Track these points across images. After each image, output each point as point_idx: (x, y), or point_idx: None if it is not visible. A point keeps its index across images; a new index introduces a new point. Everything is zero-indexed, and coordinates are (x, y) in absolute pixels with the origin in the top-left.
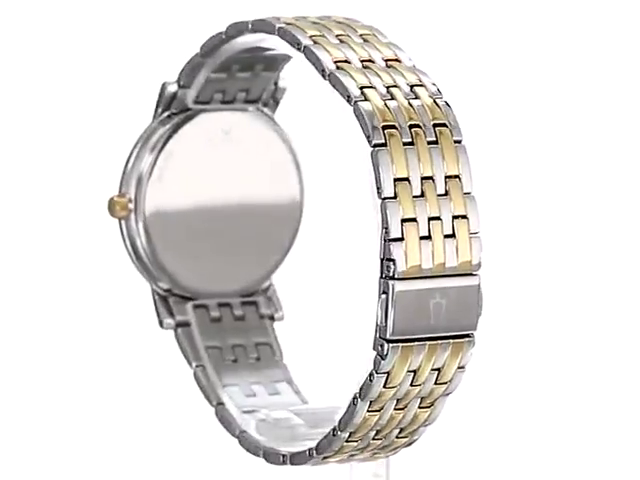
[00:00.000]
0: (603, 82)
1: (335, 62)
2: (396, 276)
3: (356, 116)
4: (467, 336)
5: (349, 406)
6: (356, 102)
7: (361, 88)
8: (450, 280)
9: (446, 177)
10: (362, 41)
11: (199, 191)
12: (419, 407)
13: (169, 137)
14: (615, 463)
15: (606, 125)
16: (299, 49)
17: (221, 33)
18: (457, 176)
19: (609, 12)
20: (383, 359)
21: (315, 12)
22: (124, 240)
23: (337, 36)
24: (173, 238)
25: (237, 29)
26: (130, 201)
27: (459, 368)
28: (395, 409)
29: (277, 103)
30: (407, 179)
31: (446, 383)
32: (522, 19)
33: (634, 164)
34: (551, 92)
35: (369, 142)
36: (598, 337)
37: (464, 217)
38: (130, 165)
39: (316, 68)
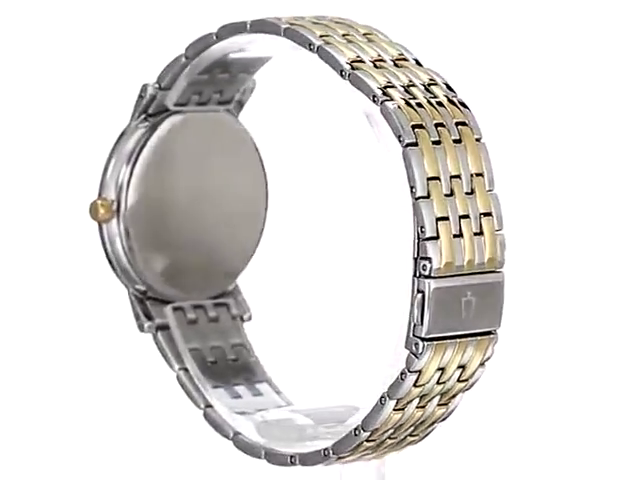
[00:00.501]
0: (604, 78)
1: (350, 62)
2: (432, 275)
3: (384, 115)
4: (491, 333)
5: (375, 405)
6: (383, 102)
7: (384, 88)
8: (479, 277)
9: (471, 175)
10: (367, 40)
11: (174, 193)
12: (437, 404)
13: (147, 140)
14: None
15: (612, 121)
16: (311, 49)
17: (211, 34)
18: (480, 174)
19: (610, 9)
20: (417, 357)
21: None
22: (104, 243)
23: (343, 36)
24: (151, 239)
25: (231, 30)
26: (112, 203)
27: (481, 365)
28: (417, 407)
29: (242, 105)
30: (438, 178)
31: (467, 380)
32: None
33: None
34: (543, 86)
35: (400, 142)
36: (612, 338)
37: (489, 214)
38: (109, 172)
39: (333, 68)
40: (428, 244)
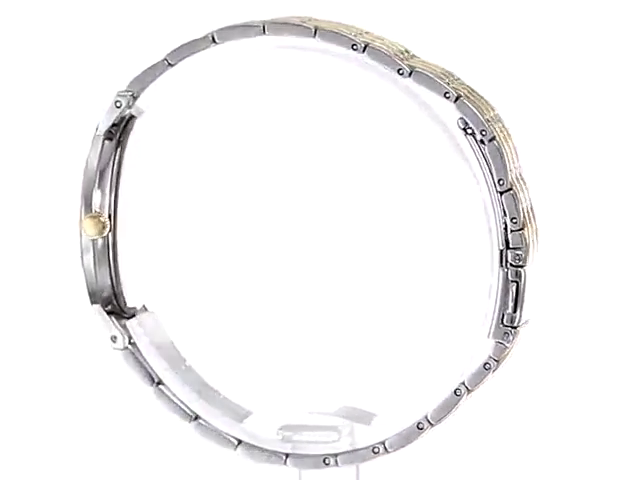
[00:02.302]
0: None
1: (401, 59)
2: (526, 264)
3: (461, 111)
4: None
5: (450, 397)
6: (458, 98)
7: (447, 83)
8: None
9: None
10: (376, 38)
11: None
12: None
13: (117, 153)
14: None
15: (613, 119)
16: (355, 49)
17: (206, 37)
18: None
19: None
20: (507, 346)
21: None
22: (96, 257)
23: (359, 34)
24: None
25: (235, 33)
26: (106, 218)
27: None
28: None
29: None
30: (511, 170)
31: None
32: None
33: None
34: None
35: (483, 135)
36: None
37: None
38: (94, 188)
39: (387, 66)
40: (519, 234)
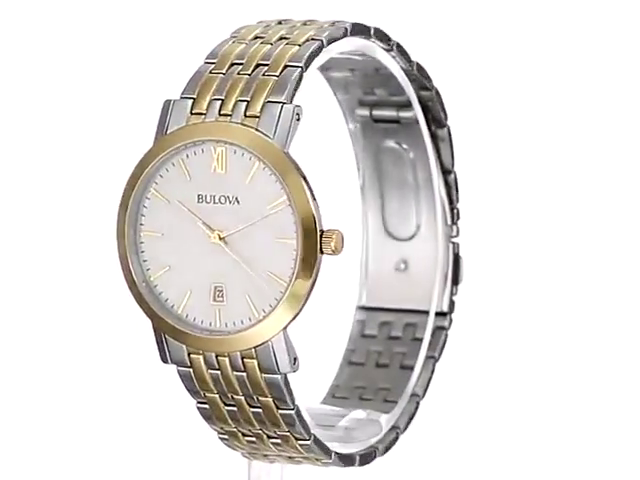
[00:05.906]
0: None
1: None
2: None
3: (437, 100)
4: None
5: (432, 370)
6: (437, 91)
7: None
8: None
9: None
10: None
11: None
12: None
13: None
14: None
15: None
16: (390, 44)
17: (319, 39)
18: None
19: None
20: (452, 318)
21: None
22: None
23: None
24: None
25: (335, 35)
26: None
27: None
28: None
29: None
30: None
31: None
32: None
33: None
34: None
35: (445, 119)
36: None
37: None
38: None
39: (407, 61)
40: (459, 209)
